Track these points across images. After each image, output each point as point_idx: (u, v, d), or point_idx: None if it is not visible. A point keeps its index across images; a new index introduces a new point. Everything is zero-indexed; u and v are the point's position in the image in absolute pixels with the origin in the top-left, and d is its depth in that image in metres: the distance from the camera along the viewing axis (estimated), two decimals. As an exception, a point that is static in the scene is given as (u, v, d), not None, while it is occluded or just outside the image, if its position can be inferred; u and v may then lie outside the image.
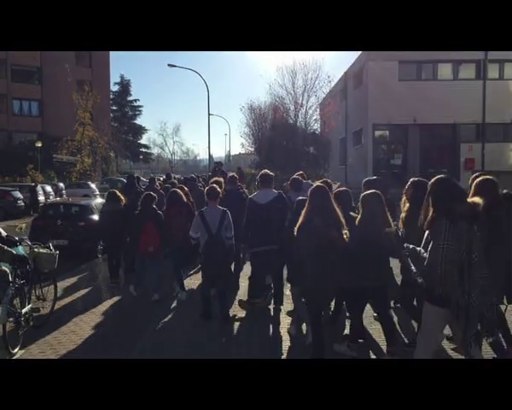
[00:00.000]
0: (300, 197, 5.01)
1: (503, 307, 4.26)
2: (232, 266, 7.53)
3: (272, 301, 6.24)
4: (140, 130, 65.70)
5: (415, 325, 4.99)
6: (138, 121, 65.46)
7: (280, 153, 25.32)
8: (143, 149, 67.22)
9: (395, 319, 5.36)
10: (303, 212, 4.30)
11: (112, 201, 8.13)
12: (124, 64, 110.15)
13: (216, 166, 15.17)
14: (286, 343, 5.10)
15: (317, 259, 4.10)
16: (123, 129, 59.25)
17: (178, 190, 7.26)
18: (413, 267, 3.61)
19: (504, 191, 4.52)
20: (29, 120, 39.61)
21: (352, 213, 4.71)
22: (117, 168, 51.09)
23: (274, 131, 27.29)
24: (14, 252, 5.26)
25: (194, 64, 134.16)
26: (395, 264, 4.78)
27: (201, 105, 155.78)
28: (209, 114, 32.41)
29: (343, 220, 4.23)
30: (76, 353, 4.93)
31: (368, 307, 5.20)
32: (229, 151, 69.14)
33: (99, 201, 12.04)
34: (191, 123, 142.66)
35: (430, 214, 3.39)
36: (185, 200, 7.24)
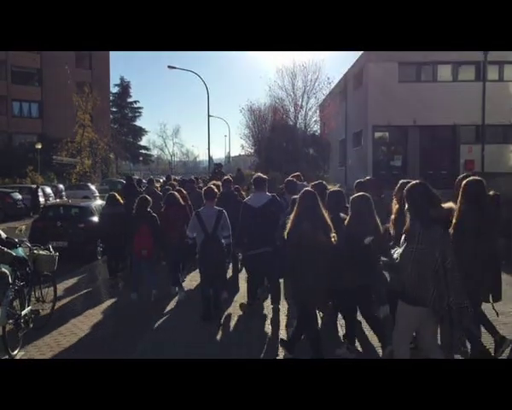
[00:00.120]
0: (295, 196, 5.06)
1: (488, 305, 4.36)
2: (230, 268, 7.57)
3: (270, 301, 6.27)
4: (140, 131, 65.85)
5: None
6: (138, 123, 65.86)
7: (280, 154, 25.33)
8: (143, 151, 67.40)
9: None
10: (291, 216, 4.41)
11: (111, 203, 8.19)
12: (123, 66, 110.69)
13: (216, 168, 15.16)
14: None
15: (305, 261, 4.19)
16: (123, 130, 59.41)
17: (176, 193, 7.41)
18: (388, 278, 3.68)
19: (491, 193, 4.57)
20: (29, 121, 39.60)
21: (341, 215, 4.77)
22: (117, 170, 51.15)
23: (274, 132, 27.32)
24: (14, 254, 5.26)
25: (193, 66, 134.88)
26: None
27: (201, 106, 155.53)
28: (209, 116, 32.39)
29: (331, 224, 4.32)
30: (76, 354, 4.91)
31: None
32: (229, 153, 69.38)
33: (99, 202, 12.06)
34: (191, 124, 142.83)
35: (408, 219, 3.48)
36: (183, 203, 7.35)
